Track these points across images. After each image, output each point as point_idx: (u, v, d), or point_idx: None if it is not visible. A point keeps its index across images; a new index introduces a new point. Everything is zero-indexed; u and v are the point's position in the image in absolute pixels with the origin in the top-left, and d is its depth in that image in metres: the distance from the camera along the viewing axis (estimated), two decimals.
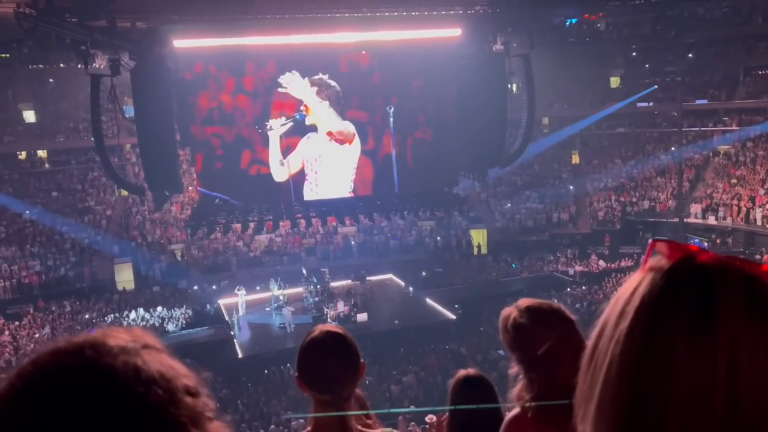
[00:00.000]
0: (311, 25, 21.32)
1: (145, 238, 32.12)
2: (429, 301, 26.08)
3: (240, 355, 22.05)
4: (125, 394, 0.69)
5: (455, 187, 29.02)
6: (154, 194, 23.29)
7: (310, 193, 24.96)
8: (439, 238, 33.95)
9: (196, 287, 29.05)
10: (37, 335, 24.95)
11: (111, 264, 30.23)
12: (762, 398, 0.72)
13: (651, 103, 39.14)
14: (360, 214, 29.93)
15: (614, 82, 41.32)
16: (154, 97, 19.72)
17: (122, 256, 30.59)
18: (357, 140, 24.65)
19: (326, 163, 24.47)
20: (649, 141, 39.48)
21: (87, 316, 26.29)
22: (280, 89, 23.36)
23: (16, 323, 25.88)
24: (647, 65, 40.44)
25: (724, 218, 32.07)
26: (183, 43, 20.67)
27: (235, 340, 23.16)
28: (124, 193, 32.65)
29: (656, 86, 38.69)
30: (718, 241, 30.99)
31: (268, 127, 23.29)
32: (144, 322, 25.42)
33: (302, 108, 23.72)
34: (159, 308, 26.31)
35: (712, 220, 32.46)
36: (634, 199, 35.69)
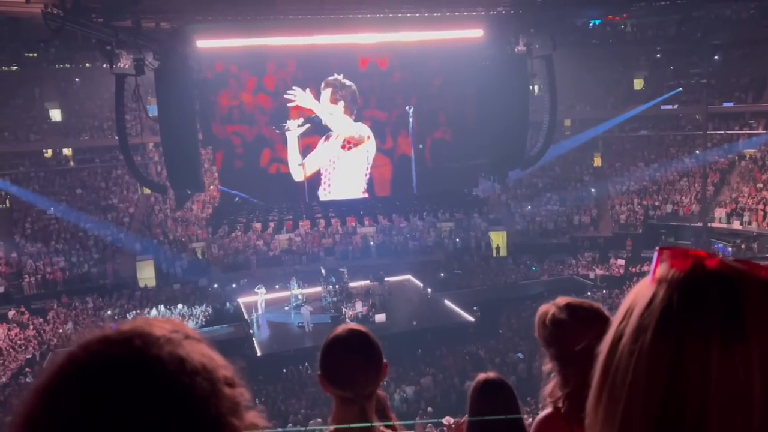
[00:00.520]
0: (333, 26, 21.36)
1: (167, 236, 32.46)
2: (447, 302, 26.01)
3: (259, 353, 22.18)
4: (172, 384, 0.71)
5: (475, 188, 28.87)
6: (177, 193, 23.56)
7: (324, 194, 24.97)
8: (458, 239, 33.82)
9: (216, 285, 29.29)
10: (60, 330, 25.38)
11: (133, 261, 30.61)
12: None
13: (675, 106, 38.61)
14: (379, 215, 29.95)
15: (638, 83, 40.86)
16: (177, 97, 19.93)
17: (144, 253, 30.95)
18: (371, 140, 24.53)
19: (340, 166, 24.46)
20: (672, 144, 38.96)
21: (109, 313, 26.65)
22: (289, 104, 23.41)
23: (40, 319, 26.34)
24: (672, 67, 39.87)
25: (750, 223, 31.52)
26: (206, 43, 20.86)
27: (254, 339, 23.31)
28: (147, 191, 33.03)
29: (681, 88, 38.17)
30: (743, 246, 30.46)
31: (285, 127, 23.38)
32: None
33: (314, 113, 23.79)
34: (179, 306, 26.57)
35: (737, 225, 31.93)
36: (656, 203, 35.24)
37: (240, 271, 30.81)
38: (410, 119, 24.55)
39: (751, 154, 35.71)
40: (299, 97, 23.40)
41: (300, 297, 25.35)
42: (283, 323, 24.69)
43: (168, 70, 19.71)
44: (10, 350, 23.54)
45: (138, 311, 26.46)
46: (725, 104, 36.93)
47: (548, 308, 2.20)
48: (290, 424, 16.01)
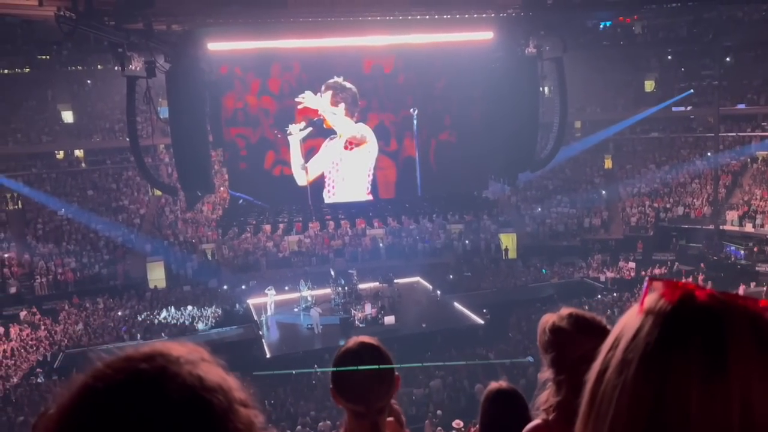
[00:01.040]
0: (342, 29, 21.33)
1: (177, 238, 32.62)
2: (457, 305, 25.95)
3: (268, 355, 22.22)
4: (194, 398, 0.74)
5: (485, 190, 28.79)
6: (187, 194, 23.63)
7: (328, 197, 24.91)
8: (467, 241, 33.76)
9: (225, 287, 29.39)
10: (71, 331, 25.53)
11: (143, 262, 30.79)
12: None
13: (687, 108, 38.38)
14: (388, 217, 29.92)
15: (649, 85, 40.64)
16: (187, 99, 20.01)
17: (154, 254, 31.13)
18: (372, 141, 24.42)
19: (343, 168, 24.39)
20: (684, 146, 38.72)
21: (120, 314, 26.80)
22: (299, 106, 23.43)
23: (50, 319, 26.51)
24: (683, 69, 39.65)
25: (762, 226, 31.25)
26: (216, 45, 20.93)
27: (263, 340, 23.36)
28: (158, 192, 33.24)
29: (692, 90, 37.94)
30: (755, 249, 30.22)
31: (288, 132, 23.36)
32: (175, 321, 25.84)
33: (319, 115, 23.75)
34: (189, 307, 26.69)
35: (749, 228, 31.67)
36: (668, 205, 35.02)
37: (250, 272, 30.92)
38: (414, 121, 24.47)
39: (764, 156, 35.45)
40: (308, 98, 23.42)
41: (309, 299, 25.39)
42: (292, 325, 24.73)
43: (179, 73, 19.79)
44: (22, 351, 23.71)
45: (148, 312, 26.61)
46: (737, 106, 36.68)
47: (551, 316, 2.20)
48: (299, 427, 16.02)
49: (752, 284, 26.32)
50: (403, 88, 24.31)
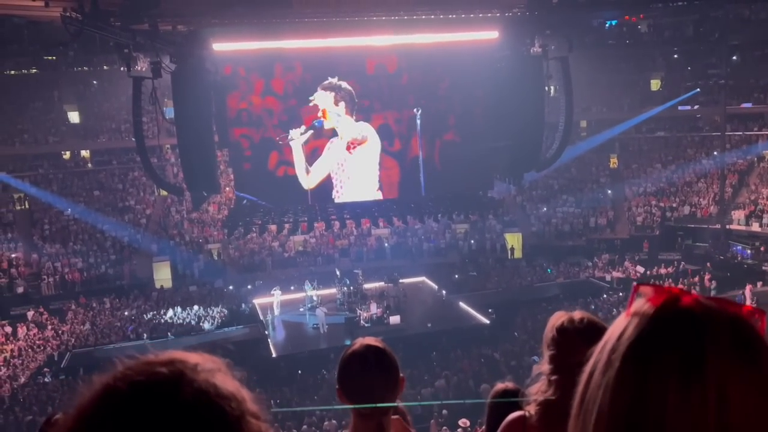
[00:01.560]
0: (347, 29, 21.35)
1: (183, 238, 32.71)
2: (462, 304, 25.93)
3: (274, 355, 22.26)
4: (208, 403, 0.77)
5: (490, 190, 28.74)
6: (193, 194, 23.67)
7: (337, 197, 24.89)
8: (473, 241, 33.73)
9: (231, 287, 29.46)
10: (77, 331, 25.64)
11: (150, 262, 30.89)
12: None
13: (695, 107, 38.22)
14: (393, 217, 29.90)
15: (654, 84, 40.48)
16: (193, 99, 20.04)
17: (161, 254, 31.22)
18: (373, 139, 24.34)
19: (348, 168, 24.35)
20: (690, 145, 38.57)
21: (126, 313, 26.90)
22: (309, 104, 23.41)
23: (57, 319, 26.63)
24: (689, 68, 39.47)
25: None
26: (221, 46, 20.98)
27: (269, 340, 23.40)
28: (164, 192, 33.32)
29: (698, 89, 37.78)
30: (762, 248, 30.08)
31: (288, 137, 23.34)
32: (181, 320, 25.92)
33: (320, 114, 23.66)
34: (195, 307, 26.76)
35: (755, 227, 31.53)
36: (674, 205, 34.90)
37: (255, 272, 30.99)
38: (418, 121, 24.42)
39: None
40: (318, 97, 23.41)
41: (315, 298, 25.42)
42: (298, 324, 24.77)
43: (184, 73, 19.82)
44: (29, 350, 23.84)
45: (155, 312, 26.69)
46: (744, 105, 36.52)
47: (561, 316, 2.23)
48: (305, 426, 16.04)
49: (759, 284, 26.16)
50: (406, 88, 24.27)
